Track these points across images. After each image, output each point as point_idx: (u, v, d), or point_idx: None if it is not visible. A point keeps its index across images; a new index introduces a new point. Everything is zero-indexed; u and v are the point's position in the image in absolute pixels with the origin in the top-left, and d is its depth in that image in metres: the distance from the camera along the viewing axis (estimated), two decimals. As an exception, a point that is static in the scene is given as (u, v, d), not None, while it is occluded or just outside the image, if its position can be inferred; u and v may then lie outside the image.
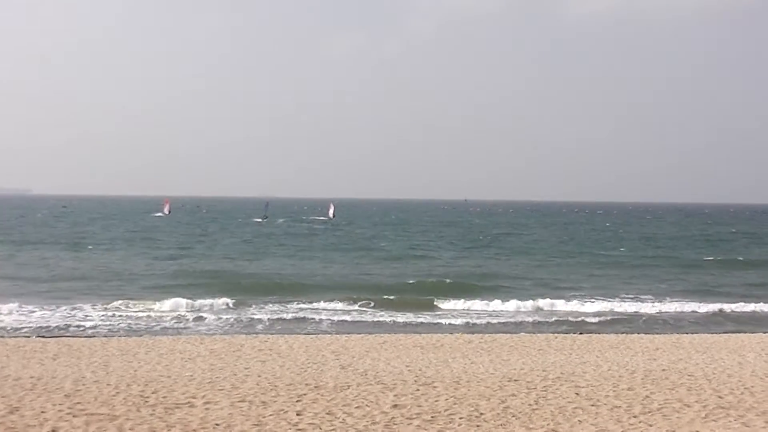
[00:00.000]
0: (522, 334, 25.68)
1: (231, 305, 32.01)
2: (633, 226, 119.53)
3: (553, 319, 30.36)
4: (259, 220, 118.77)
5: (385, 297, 34.89)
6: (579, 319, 30.37)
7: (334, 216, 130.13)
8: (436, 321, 29.58)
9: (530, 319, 30.30)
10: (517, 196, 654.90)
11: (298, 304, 32.84)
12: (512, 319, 30.29)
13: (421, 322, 29.26)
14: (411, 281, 41.06)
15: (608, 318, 30.85)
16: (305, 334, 25.39)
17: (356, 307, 32.47)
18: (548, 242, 76.27)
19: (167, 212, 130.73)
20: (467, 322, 29.24)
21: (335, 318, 29.77)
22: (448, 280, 41.45)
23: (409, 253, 58.97)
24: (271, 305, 32.37)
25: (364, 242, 73.12)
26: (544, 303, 33.51)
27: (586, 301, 34.66)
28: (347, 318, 30.00)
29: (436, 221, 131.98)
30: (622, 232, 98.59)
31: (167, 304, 31.38)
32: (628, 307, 33.44)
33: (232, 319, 28.97)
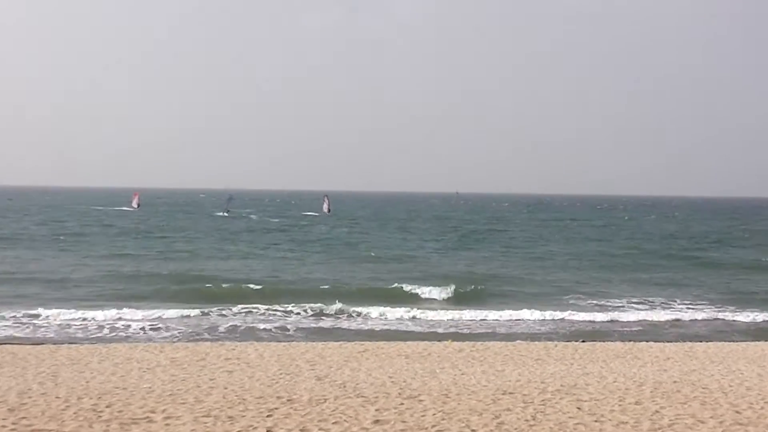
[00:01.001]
0: (518, 342, 25.78)
1: (194, 310, 31.96)
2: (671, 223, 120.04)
3: (553, 324, 30.57)
4: (222, 214, 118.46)
5: (368, 301, 35.03)
6: (585, 326, 30.60)
7: (329, 211, 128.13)
8: (422, 327, 29.69)
9: (527, 325, 30.48)
10: (511, 188, 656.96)
11: (269, 308, 32.87)
12: (507, 326, 30.46)
13: (407, 329, 29.40)
14: (395, 284, 41.08)
15: (616, 325, 31.08)
16: (277, 341, 25.40)
17: (334, 312, 32.45)
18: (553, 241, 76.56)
19: (136, 206, 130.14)
20: (457, 329, 29.39)
21: (311, 324, 29.82)
22: (436, 284, 41.46)
23: (389, 254, 58.83)
24: (238, 310, 32.43)
25: (344, 240, 73.10)
26: (551, 313, 33.56)
27: (593, 304, 34.91)
28: (324, 324, 30.06)
29: (422, 217, 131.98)
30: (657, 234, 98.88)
31: (122, 308, 31.29)
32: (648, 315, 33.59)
33: (195, 325, 28.95)
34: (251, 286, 38.75)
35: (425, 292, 37.74)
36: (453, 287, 38.25)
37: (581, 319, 32.24)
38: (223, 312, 31.77)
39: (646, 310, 34.74)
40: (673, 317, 33.17)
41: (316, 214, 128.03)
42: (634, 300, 37.42)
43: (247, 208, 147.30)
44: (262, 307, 32.82)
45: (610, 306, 35.58)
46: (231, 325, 29.19)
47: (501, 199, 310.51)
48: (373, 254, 57.84)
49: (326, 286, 39.49)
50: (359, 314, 32.13)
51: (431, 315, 32.28)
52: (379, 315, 32.06)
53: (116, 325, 28.78)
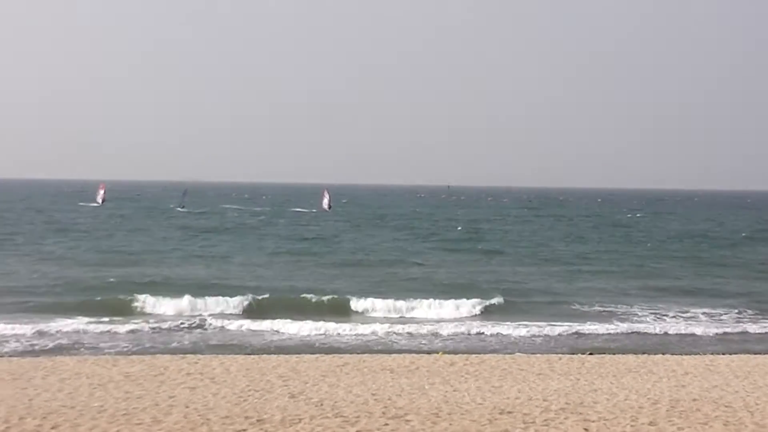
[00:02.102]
0: (518, 354, 25.84)
1: (152, 318, 31.95)
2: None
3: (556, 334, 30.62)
4: (179, 209, 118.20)
5: (348, 309, 35.35)
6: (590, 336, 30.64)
7: (330, 207, 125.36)
8: (409, 339, 29.70)
9: (527, 335, 30.51)
10: (507, 181, 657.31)
11: (239, 317, 32.98)
12: (503, 336, 30.50)
13: (392, 340, 29.43)
14: (381, 289, 41.01)
15: (625, 336, 31.14)
16: (246, 354, 25.37)
17: (310, 321, 32.39)
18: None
19: (100, 201, 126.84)
20: (448, 340, 29.41)
21: (283, 333, 29.83)
22: (426, 290, 41.43)
23: (369, 258, 58.44)
24: (206, 316, 32.48)
25: (321, 238, 72.93)
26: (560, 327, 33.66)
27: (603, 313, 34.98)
28: (300, 333, 30.07)
29: (407, 215, 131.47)
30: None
31: (75, 317, 31.20)
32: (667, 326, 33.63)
33: (151, 335, 28.89)
34: (221, 288, 38.62)
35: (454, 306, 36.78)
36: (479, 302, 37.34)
37: (589, 329, 32.20)
38: (172, 322, 31.67)
39: (661, 318, 34.79)
40: (692, 326, 33.20)
41: (310, 210, 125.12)
42: (646, 307, 37.41)
43: (230, 203, 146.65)
44: (233, 315, 32.87)
45: (619, 313, 35.57)
46: (192, 335, 29.18)
47: (495, 193, 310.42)
48: (357, 255, 57.87)
49: (301, 292, 39.31)
50: (340, 324, 31.99)
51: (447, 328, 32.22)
52: (365, 326, 31.95)
53: (52, 336, 28.63)
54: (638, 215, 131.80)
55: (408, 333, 30.65)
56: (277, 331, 30.44)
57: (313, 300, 36.49)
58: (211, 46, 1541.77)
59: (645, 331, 32.17)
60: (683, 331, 32.26)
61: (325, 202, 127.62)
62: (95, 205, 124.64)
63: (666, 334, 31.82)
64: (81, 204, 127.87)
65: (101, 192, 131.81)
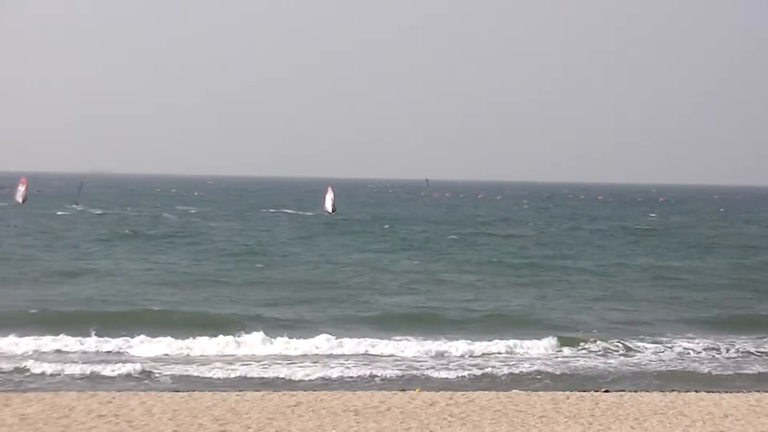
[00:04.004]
0: (514, 392, 25.63)
1: (51, 344, 31.91)
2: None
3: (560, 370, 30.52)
4: (74, 205, 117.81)
5: (302, 333, 35.00)
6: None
7: (335, 210, 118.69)
8: (379, 371, 29.51)
9: (525, 370, 30.38)
10: (495, 175, 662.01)
11: (162, 340, 32.87)
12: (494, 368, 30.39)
13: (358, 374, 29.32)
14: (345, 309, 40.80)
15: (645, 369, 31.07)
16: (173, 391, 24.99)
17: (258, 349, 32.25)
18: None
19: (20, 200, 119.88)
20: (428, 372, 29.27)
21: (221, 367, 29.62)
22: (399, 311, 41.31)
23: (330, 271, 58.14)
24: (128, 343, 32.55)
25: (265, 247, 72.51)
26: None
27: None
28: (238, 365, 29.90)
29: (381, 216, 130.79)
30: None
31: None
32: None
33: (53, 366, 28.65)
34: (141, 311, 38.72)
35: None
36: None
37: (600, 361, 32.18)
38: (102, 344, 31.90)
39: (694, 345, 34.71)
40: (732, 356, 33.28)
41: (303, 213, 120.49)
42: (673, 331, 37.34)
43: (150, 201, 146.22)
44: (158, 338, 32.74)
45: (644, 340, 35.44)
46: (110, 367, 28.87)
47: (478, 188, 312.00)
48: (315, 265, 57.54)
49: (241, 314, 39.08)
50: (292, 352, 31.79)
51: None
52: (324, 354, 31.86)
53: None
54: (651, 215, 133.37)
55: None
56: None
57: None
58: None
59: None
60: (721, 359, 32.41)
61: (329, 202, 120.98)
62: (5, 205, 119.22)
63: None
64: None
65: (21, 188, 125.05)
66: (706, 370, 31.02)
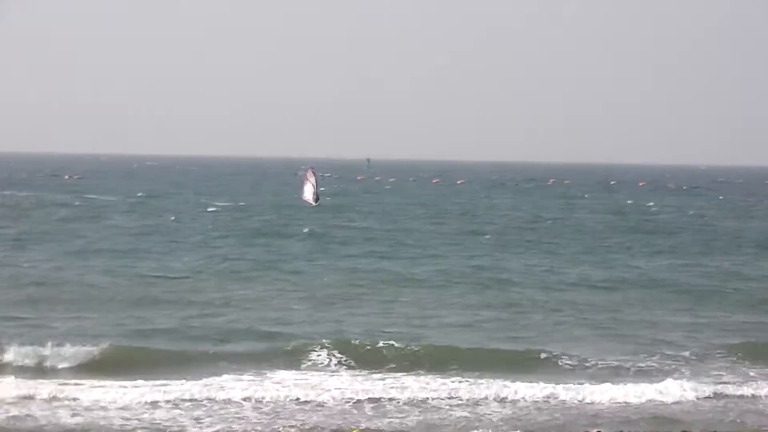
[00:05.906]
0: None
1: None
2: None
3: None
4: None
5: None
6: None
7: (317, 200, 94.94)
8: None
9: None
10: (448, 155, 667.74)
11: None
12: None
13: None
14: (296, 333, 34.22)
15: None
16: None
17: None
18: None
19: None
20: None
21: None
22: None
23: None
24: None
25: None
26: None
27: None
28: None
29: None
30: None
31: None
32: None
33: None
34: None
35: None
36: None
37: (609, 398, 26.90)
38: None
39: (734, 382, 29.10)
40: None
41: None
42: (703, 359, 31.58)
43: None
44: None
45: (666, 369, 29.95)
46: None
47: (429, 169, 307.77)
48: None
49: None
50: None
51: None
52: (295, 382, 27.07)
53: None
54: (650, 204, 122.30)
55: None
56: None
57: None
58: None
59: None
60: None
61: (309, 191, 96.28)
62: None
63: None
64: None
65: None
66: None
